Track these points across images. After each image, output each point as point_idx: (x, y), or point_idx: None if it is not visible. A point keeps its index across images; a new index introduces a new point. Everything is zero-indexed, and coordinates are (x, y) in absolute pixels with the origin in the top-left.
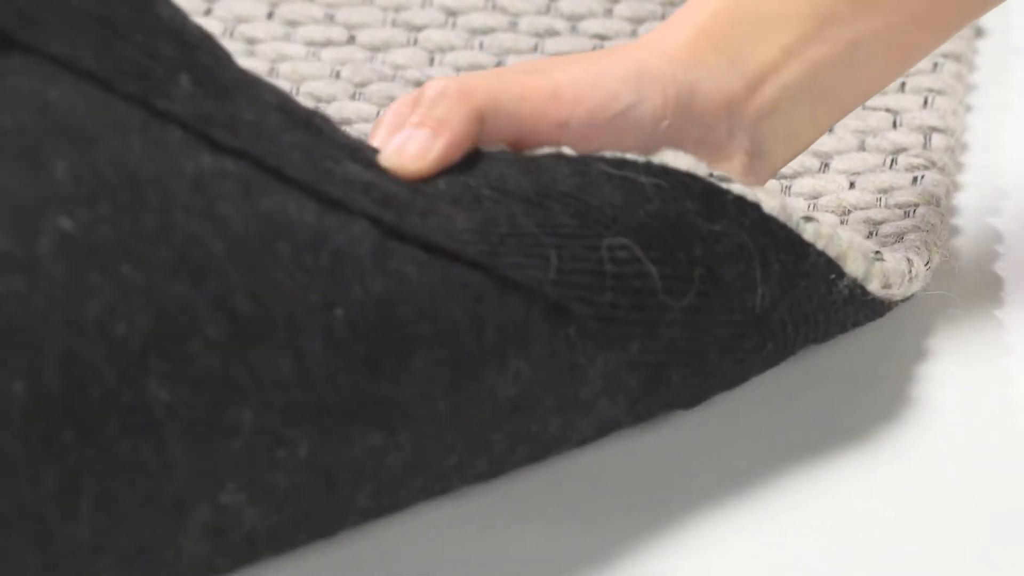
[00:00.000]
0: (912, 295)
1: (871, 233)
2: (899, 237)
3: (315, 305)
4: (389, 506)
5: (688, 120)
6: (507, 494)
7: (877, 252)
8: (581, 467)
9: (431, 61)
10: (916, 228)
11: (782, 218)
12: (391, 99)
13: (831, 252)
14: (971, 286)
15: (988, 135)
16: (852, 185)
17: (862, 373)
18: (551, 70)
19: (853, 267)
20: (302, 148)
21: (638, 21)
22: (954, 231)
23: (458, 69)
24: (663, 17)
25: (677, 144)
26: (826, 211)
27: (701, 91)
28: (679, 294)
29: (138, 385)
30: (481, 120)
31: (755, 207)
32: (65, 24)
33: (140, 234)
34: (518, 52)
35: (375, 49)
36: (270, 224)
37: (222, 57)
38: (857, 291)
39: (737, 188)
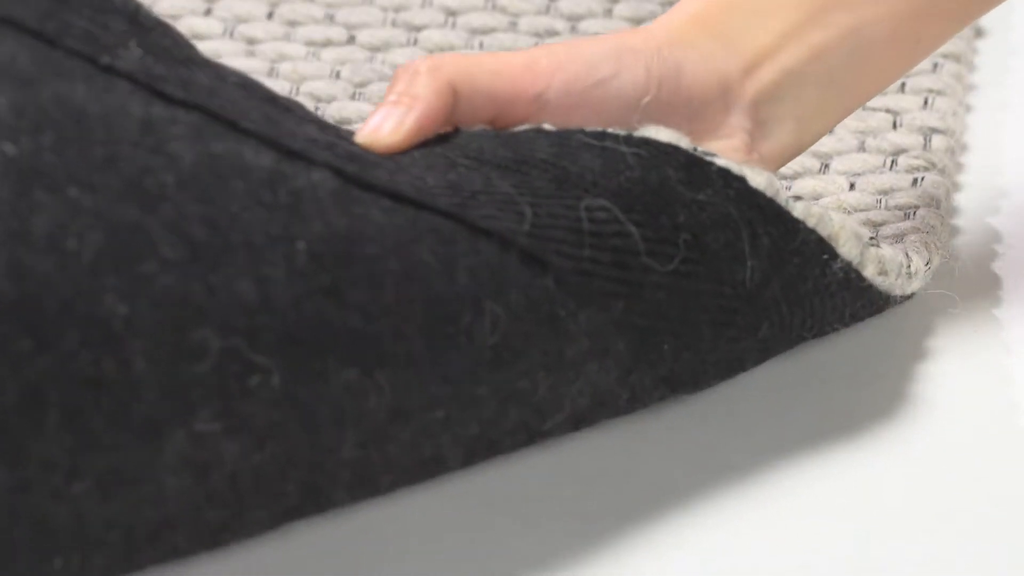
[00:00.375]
0: (912, 294)
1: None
2: (899, 239)
3: (275, 236)
4: (378, 464)
5: (675, 97)
6: (502, 488)
7: (872, 238)
8: (576, 462)
9: None
10: (916, 230)
11: (769, 193)
12: None
13: (822, 232)
14: (971, 286)
15: (988, 135)
16: (852, 186)
17: (862, 371)
18: (529, 49)
19: (846, 249)
20: (261, 112)
21: (638, 21)
22: (954, 231)
23: None
24: None
25: (662, 122)
26: None
27: (689, 69)
28: (664, 258)
29: (95, 298)
30: (454, 93)
31: (740, 179)
32: None
33: (86, 162)
34: None
35: (375, 49)
36: (224, 164)
37: (183, 43)
38: (852, 275)
39: (721, 161)
